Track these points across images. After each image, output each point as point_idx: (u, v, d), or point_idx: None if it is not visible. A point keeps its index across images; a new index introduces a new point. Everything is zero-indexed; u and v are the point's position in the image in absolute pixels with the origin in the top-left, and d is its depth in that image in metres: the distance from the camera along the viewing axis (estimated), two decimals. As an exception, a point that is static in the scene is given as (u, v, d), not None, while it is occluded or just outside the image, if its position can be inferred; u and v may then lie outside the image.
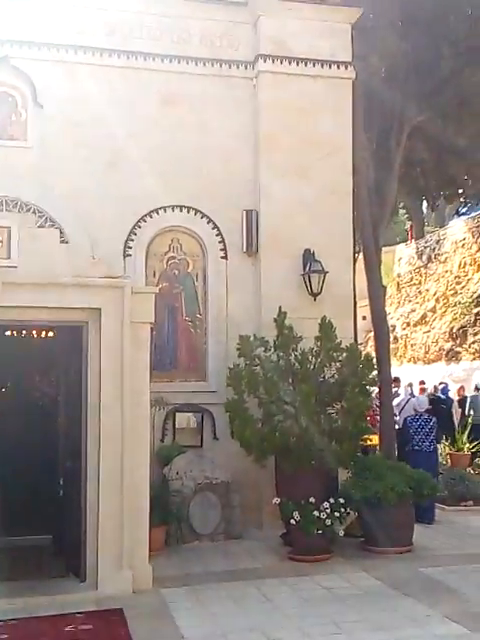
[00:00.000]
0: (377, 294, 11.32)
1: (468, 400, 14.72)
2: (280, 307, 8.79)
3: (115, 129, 9.17)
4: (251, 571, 7.57)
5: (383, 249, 12.65)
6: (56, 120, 9.10)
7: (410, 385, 16.59)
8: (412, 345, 24.29)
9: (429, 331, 23.33)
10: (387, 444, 10.50)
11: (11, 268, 6.90)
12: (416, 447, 10.12)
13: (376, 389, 10.27)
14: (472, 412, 13.84)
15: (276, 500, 8.14)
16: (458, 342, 21.53)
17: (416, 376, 18.99)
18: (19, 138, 9.11)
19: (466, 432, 12.47)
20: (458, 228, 23.89)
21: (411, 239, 27.83)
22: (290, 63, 9.75)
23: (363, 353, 9.17)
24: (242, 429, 8.40)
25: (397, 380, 15.59)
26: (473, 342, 20.84)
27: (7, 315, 6.94)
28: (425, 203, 22.50)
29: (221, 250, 9.66)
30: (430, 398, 14.06)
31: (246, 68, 9.79)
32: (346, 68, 9.96)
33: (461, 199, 19.89)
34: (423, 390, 15.75)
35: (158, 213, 9.46)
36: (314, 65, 9.82)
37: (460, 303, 21.80)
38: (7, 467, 8.10)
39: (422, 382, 17.10)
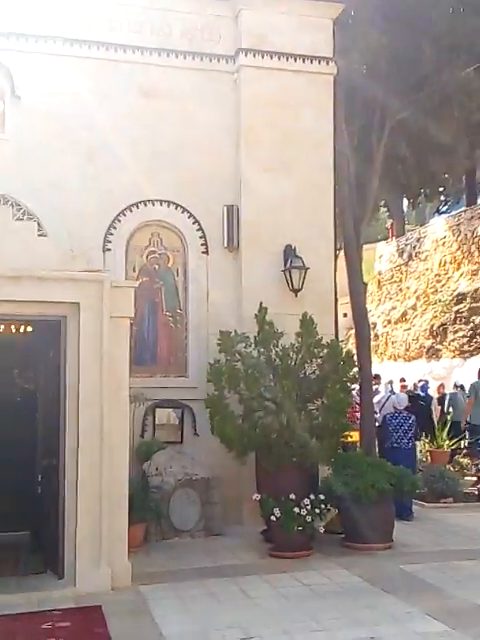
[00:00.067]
0: (358, 291, 11.32)
1: (447, 397, 14.78)
2: (261, 303, 8.74)
3: (95, 122, 9.10)
4: (231, 568, 7.52)
5: (364, 246, 12.67)
6: (34, 112, 8.98)
7: (390, 382, 16.65)
8: (393, 342, 24.39)
9: (410, 329, 23.43)
10: (367, 441, 10.51)
11: (-13, 261, 6.79)
12: (395, 444, 10.15)
13: (356, 386, 10.26)
14: (451, 409, 13.89)
15: (256, 496, 8.09)
16: (438, 340, 21.64)
17: (397, 373, 19.08)
18: (-3, 130, 9.00)
19: (446, 429, 12.51)
20: (439, 226, 24.01)
21: (392, 237, 27.94)
22: (271, 58, 9.71)
23: (344, 350, 9.15)
24: (222, 425, 8.35)
25: (378, 377, 15.62)
26: (453, 340, 20.95)
27: (-17, 309, 6.83)
28: (406, 200, 22.55)
29: (202, 245, 9.60)
30: (409, 395, 14.10)
31: (227, 62, 9.74)
32: (328, 63, 9.94)
33: (442, 197, 19.98)
34: (404, 387, 15.81)
35: (138, 207, 9.38)
36: (296, 60, 9.80)
37: (440, 301, 21.91)
38: (-16, 464, 8.00)
39: (402, 379, 17.18)
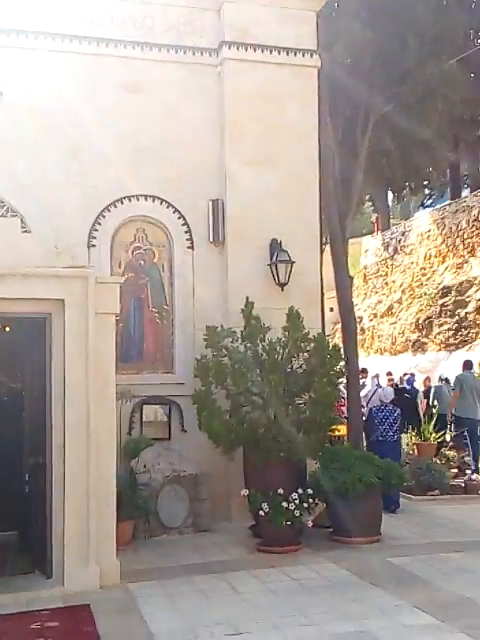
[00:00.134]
0: (344, 285, 11.31)
1: (432, 390, 14.83)
2: (247, 297, 8.72)
3: (78, 117, 9.03)
4: (220, 564, 7.50)
5: (350, 241, 12.67)
6: (17, 108, 8.89)
7: (376, 376, 16.68)
8: (379, 336, 24.47)
9: (396, 322, 23.52)
10: (354, 435, 10.52)
11: (-30, 259, 6.72)
12: (380, 437, 10.18)
13: (343, 380, 10.27)
14: (436, 402, 13.93)
15: (244, 492, 8.08)
16: (424, 333, 21.72)
17: (383, 367, 19.12)
18: (-22, 126, 8.89)
19: (432, 422, 12.55)
20: (423, 220, 24.10)
21: (377, 231, 28.00)
22: (255, 50, 9.67)
23: (331, 344, 9.14)
24: (210, 421, 8.33)
25: (364, 371, 15.67)
26: (439, 333, 21.04)
27: (-33, 307, 6.76)
28: (391, 194, 22.61)
29: (187, 240, 9.56)
30: (395, 389, 14.14)
31: (211, 55, 9.69)
32: (311, 56, 9.90)
33: (426, 190, 20.05)
34: (390, 381, 15.85)
35: (123, 202, 9.31)
36: (279, 52, 9.75)
37: (426, 294, 22.00)
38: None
39: (389, 373, 17.23)
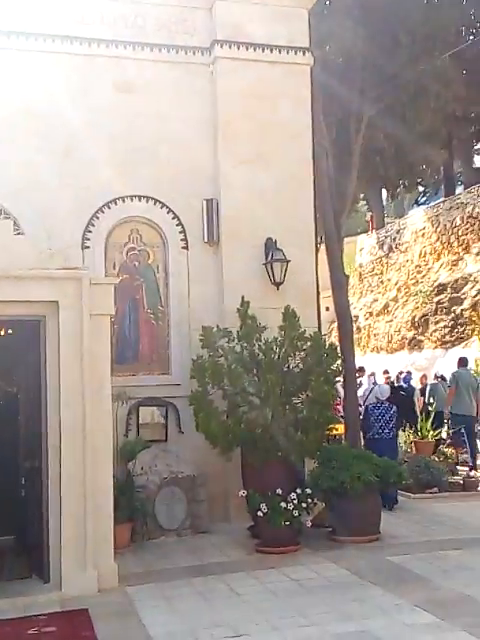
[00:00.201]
0: (340, 284, 11.31)
1: (428, 388, 14.82)
2: (243, 297, 8.68)
3: (70, 118, 8.96)
4: (218, 565, 7.46)
5: (345, 239, 12.66)
6: (8, 109, 8.84)
7: (373, 374, 16.68)
8: (375, 335, 24.47)
9: (391, 320, 23.52)
10: (352, 433, 10.50)
11: (-37, 261, 6.66)
12: (377, 435, 10.14)
13: (340, 379, 10.24)
14: (433, 400, 13.92)
15: (242, 492, 8.04)
16: (420, 331, 21.74)
17: (380, 365, 19.13)
18: (-31, 128, 8.85)
19: (429, 420, 12.54)
20: (418, 218, 24.13)
21: (372, 229, 28.01)
22: (247, 49, 9.62)
23: (327, 342, 9.11)
24: (207, 422, 8.29)
25: (362, 370, 15.65)
26: (435, 330, 21.06)
27: (-40, 310, 6.71)
28: (385, 192, 22.63)
29: (182, 240, 9.51)
30: (391, 387, 14.13)
31: (203, 54, 9.64)
32: (304, 54, 9.87)
33: (420, 188, 20.09)
34: (388, 380, 15.84)
35: (117, 203, 9.27)
36: (271, 51, 9.71)
37: (421, 292, 22.02)
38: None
39: (386, 371, 17.23)
